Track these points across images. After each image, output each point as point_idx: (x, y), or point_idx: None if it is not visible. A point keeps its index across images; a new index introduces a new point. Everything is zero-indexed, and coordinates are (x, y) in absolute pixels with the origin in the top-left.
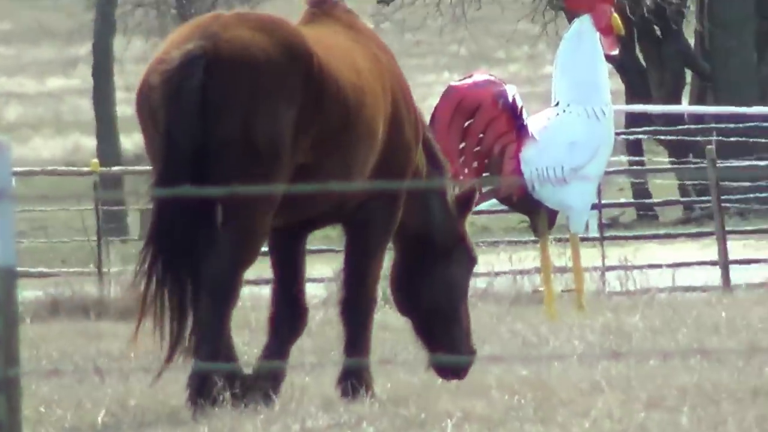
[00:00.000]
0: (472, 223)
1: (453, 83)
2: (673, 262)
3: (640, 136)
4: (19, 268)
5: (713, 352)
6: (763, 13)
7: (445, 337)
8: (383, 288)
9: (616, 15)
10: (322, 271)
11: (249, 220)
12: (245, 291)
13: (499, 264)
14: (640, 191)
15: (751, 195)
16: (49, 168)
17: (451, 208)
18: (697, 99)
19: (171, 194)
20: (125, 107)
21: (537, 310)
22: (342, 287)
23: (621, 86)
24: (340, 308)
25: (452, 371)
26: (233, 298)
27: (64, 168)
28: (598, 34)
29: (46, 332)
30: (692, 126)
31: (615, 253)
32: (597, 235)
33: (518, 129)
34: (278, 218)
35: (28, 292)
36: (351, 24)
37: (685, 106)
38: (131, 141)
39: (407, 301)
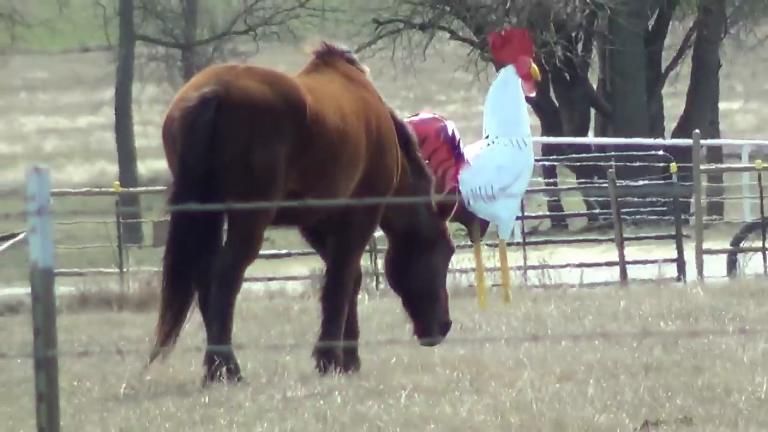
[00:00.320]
0: None
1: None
2: (581, 263)
3: (554, 163)
4: (55, 270)
5: (613, 335)
6: (652, 64)
7: (427, 310)
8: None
9: (534, 65)
10: (300, 271)
11: (249, 227)
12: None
13: None
14: (555, 206)
15: (644, 209)
16: (80, 189)
17: (434, 211)
18: (600, 132)
19: (182, 209)
20: (141, 139)
21: (472, 302)
22: (324, 278)
23: (538, 122)
24: (319, 295)
25: (429, 337)
26: (236, 288)
27: (91, 189)
28: (520, 80)
29: (77, 321)
30: (596, 154)
31: (534, 255)
32: (520, 240)
33: (456, 156)
34: (282, 225)
35: (63, 288)
36: (346, 73)
37: (590, 138)
38: (146, 167)
39: (398, 282)
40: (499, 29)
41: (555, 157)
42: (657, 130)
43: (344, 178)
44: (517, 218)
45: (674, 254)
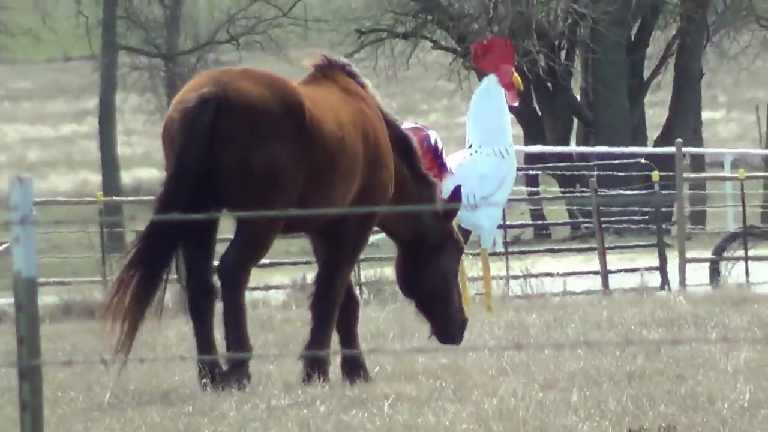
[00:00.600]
0: None
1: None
2: (563, 272)
3: (537, 171)
4: (39, 279)
5: (596, 343)
6: (634, 73)
7: (440, 312)
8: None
9: (516, 74)
10: (282, 280)
11: (257, 231)
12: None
13: None
14: (537, 215)
15: (626, 217)
16: (63, 199)
17: (439, 215)
18: (582, 141)
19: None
20: (125, 149)
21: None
22: (314, 286)
23: (521, 131)
24: (309, 302)
25: (450, 338)
26: (242, 288)
27: (75, 198)
28: (502, 89)
29: (61, 330)
30: (578, 163)
31: (517, 265)
32: (502, 250)
33: (439, 166)
34: (289, 232)
35: (46, 297)
36: (344, 86)
37: (572, 147)
38: (129, 176)
39: (409, 287)
40: (481, 38)
41: (537, 165)
42: (639, 139)
43: (342, 187)
44: (500, 227)
45: (657, 263)
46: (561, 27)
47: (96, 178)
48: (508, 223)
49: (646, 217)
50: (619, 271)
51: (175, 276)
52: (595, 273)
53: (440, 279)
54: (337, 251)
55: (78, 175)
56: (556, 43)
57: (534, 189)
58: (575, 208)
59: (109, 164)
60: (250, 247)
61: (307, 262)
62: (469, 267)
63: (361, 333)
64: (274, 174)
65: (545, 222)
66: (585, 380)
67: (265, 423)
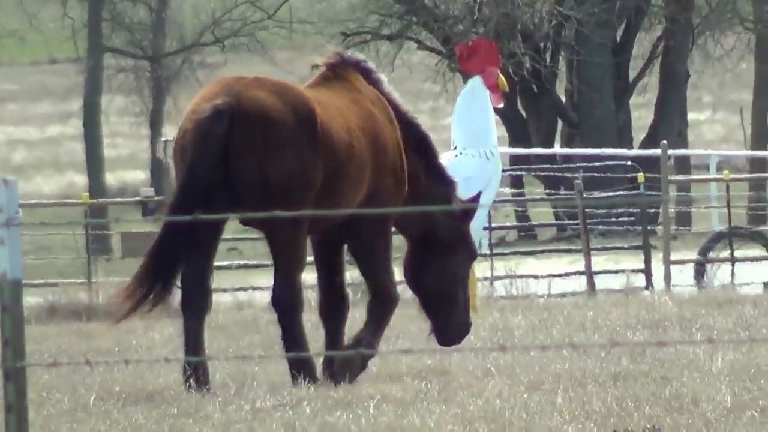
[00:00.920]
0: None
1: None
2: (548, 273)
3: (522, 173)
4: (24, 281)
5: (581, 345)
6: (619, 74)
7: (442, 312)
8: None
9: (501, 75)
10: (269, 282)
11: (289, 239)
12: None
13: None
14: (522, 216)
15: (611, 219)
16: (49, 200)
17: (455, 215)
18: (567, 142)
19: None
20: (110, 150)
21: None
22: (367, 291)
23: (506, 133)
24: (368, 304)
25: (448, 339)
26: (301, 307)
27: (60, 200)
28: (487, 91)
29: (46, 332)
30: (563, 165)
31: (501, 266)
32: (487, 251)
33: None
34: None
35: (31, 299)
36: (355, 86)
37: (557, 149)
38: (114, 178)
39: (414, 284)
40: (466, 40)
41: (522, 167)
42: (625, 141)
43: (350, 192)
44: (485, 229)
45: (642, 264)
46: (546, 29)
47: (82, 180)
48: (493, 224)
49: (632, 218)
50: (604, 272)
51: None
52: (581, 274)
53: (446, 279)
54: (363, 251)
55: (64, 177)
56: (541, 44)
57: (519, 191)
58: (560, 209)
59: (95, 166)
60: (292, 260)
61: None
62: None
63: (346, 334)
64: (289, 182)
65: (530, 224)
66: (570, 382)
67: (249, 424)
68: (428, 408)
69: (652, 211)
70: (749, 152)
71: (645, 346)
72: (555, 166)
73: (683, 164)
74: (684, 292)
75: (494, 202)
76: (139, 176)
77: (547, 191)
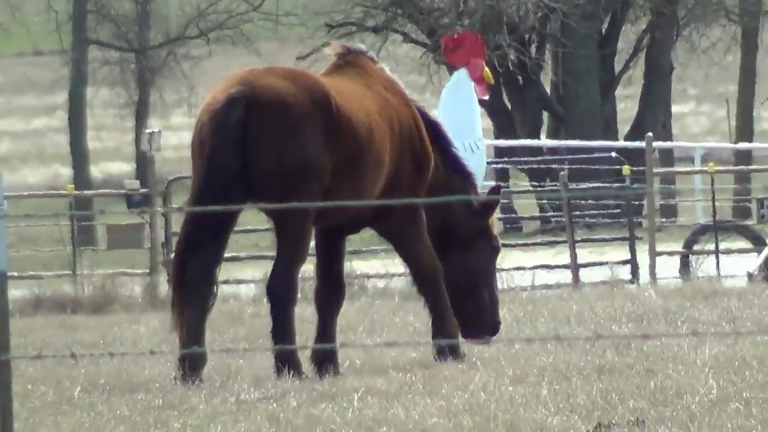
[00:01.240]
0: (373, 233)
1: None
2: (533, 265)
3: (507, 165)
4: (9, 273)
5: (565, 338)
6: (605, 67)
7: (468, 309)
8: (303, 288)
9: (486, 67)
10: (253, 274)
11: (297, 230)
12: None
13: (394, 267)
14: (507, 208)
15: (596, 211)
16: (34, 192)
17: (475, 209)
18: (553, 134)
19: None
20: (95, 142)
21: (423, 303)
22: (413, 280)
23: (491, 125)
24: (418, 291)
25: (477, 336)
26: (295, 299)
27: (46, 192)
28: (472, 83)
29: (31, 324)
30: (548, 157)
31: None
32: None
33: None
34: (319, 223)
35: (16, 292)
36: (369, 72)
37: (542, 141)
38: (99, 169)
39: None
40: (451, 32)
41: (508, 159)
42: (610, 133)
43: (370, 176)
44: None
45: (627, 256)
46: (531, 21)
47: (67, 172)
48: None
49: (617, 210)
50: (589, 264)
51: (147, 271)
52: (566, 267)
53: (467, 276)
54: (402, 241)
55: (49, 169)
56: (527, 36)
57: (504, 183)
58: (546, 202)
59: (80, 158)
60: (297, 251)
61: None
62: None
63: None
64: (305, 166)
65: (515, 216)
66: (555, 374)
67: (234, 417)
68: (413, 400)
69: (637, 203)
70: (734, 145)
71: (630, 338)
72: (540, 158)
73: (668, 157)
74: (669, 284)
75: (479, 194)
76: (124, 168)
77: (533, 183)
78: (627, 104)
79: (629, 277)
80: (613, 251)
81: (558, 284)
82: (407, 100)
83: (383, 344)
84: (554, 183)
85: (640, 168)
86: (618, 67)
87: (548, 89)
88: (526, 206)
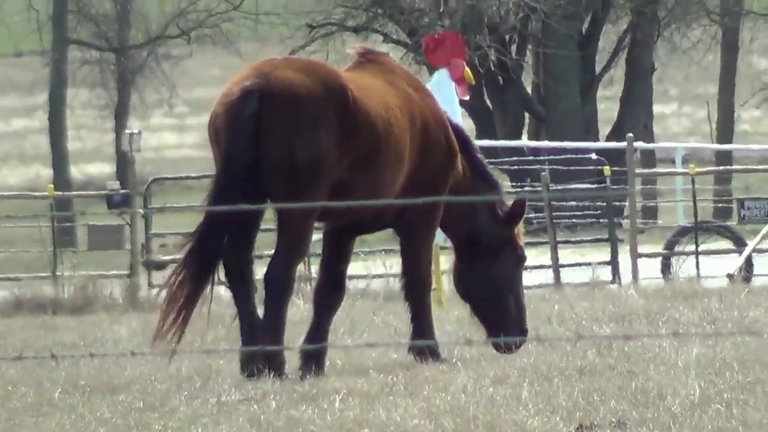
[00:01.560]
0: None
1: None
2: None
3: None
4: None
5: (546, 338)
6: (585, 67)
7: (493, 320)
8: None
9: (467, 68)
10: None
11: (299, 224)
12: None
13: (375, 268)
14: None
15: (577, 212)
16: (14, 193)
17: (500, 217)
18: (534, 135)
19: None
20: (75, 143)
21: (405, 306)
22: (401, 277)
23: (472, 125)
24: (402, 292)
25: (506, 347)
26: (291, 292)
27: (26, 192)
28: (453, 83)
29: (12, 325)
30: (530, 157)
31: None
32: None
33: None
34: (326, 223)
35: None
36: (389, 69)
37: (524, 141)
38: (79, 170)
39: (461, 289)
40: (432, 32)
41: (489, 160)
42: (591, 134)
43: (390, 171)
44: None
45: (608, 257)
46: (512, 21)
47: (47, 173)
48: None
49: (598, 211)
50: (570, 265)
51: (127, 272)
52: (547, 267)
53: (493, 285)
54: (410, 241)
55: (30, 170)
56: (507, 37)
57: None
58: (527, 202)
59: (60, 159)
60: (297, 245)
61: (259, 257)
62: None
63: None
64: (315, 161)
65: None
66: (536, 375)
67: (215, 418)
68: (394, 402)
69: (619, 204)
70: (715, 145)
71: (611, 339)
72: (521, 158)
73: (649, 157)
74: (650, 285)
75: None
76: (105, 169)
77: (513, 184)
78: (608, 105)
79: (610, 278)
80: (595, 252)
81: (539, 285)
82: (431, 97)
83: (364, 345)
84: (535, 184)
85: (621, 169)
86: (599, 68)
87: (529, 90)
88: None
